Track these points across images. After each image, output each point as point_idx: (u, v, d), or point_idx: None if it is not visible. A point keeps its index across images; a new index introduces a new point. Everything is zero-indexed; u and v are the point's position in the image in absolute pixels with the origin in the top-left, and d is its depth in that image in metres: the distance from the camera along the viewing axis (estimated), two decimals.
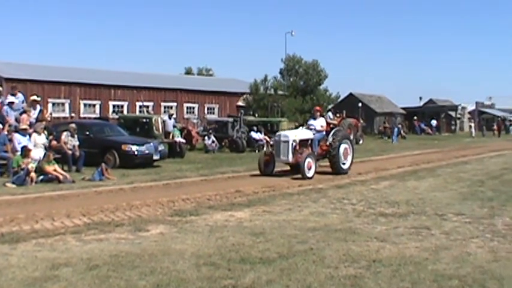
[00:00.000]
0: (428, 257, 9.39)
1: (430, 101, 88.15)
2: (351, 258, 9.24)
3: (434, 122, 74.88)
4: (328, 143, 23.58)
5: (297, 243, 10.34)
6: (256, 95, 58.18)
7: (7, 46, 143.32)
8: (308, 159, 21.67)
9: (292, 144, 22.47)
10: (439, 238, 11.00)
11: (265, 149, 34.24)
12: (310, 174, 21.58)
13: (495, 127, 73.16)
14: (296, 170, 22.25)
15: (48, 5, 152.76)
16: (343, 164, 23.67)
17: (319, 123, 24.20)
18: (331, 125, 45.62)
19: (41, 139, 22.42)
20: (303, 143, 23.19)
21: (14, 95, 25.06)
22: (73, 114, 41.48)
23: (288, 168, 23.60)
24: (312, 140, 23.60)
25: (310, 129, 23.95)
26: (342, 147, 23.59)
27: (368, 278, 8.20)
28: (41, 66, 53.69)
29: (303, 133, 23.92)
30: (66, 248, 9.92)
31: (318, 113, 24.81)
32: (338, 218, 13.14)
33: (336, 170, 23.25)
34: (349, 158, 24.17)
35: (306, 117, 65.54)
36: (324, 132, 24.07)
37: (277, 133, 24.92)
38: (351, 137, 26.43)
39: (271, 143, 24.90)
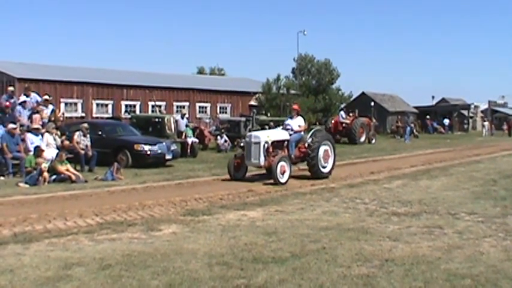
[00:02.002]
0: (441, 256, 9.38)
1: (443, 100, 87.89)
2: (363, 258, 9.24)
3: (446, 121, 74.61)
4: (306, 145, 21.71)
5: (309, 243, 10.34)
6: (269, 94, 58.08)
7: (18, 46, 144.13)
8: (281, 163, 19.77)
9: (264, 146, 20.43)
10: (451, 237, 10.98)
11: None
12: (283, 179, 19.69)
13: (505, 126, 72.61)
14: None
15: (60, 4, 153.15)
16: (323, 167, 21.75)
17: (297, 122, 22.36)
18: (344, 124, 46.14)
19: (53, 139, 22.50)
20: (278, 144, 21.27)
21: (27, 95, 25.16)
22: (83, 114, 41.48)
23: (264, 171, 21.26)
24: (288, 141, 21.68)
25: (287, 130, 21.97)
26: (322, 149, 21.66)
27: (381, 277, 8.19)
28: (53, 66, 53.77)
29: (277, 134, 22.03)
30: (79, 247, 9.95)
31: (295, 112, 22.96)
32: (350, 217, 13.14)
33: (315, 174, 21.40)
34: (330, 160, 22.27)
35: (319, 116, 65.63)
36: (302, 133, 22.32)
37: (248, 133, 22.95)
38: (332, 138, 24.15)
39: (242, 144, 22.34)
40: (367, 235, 11.09)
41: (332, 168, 22.31)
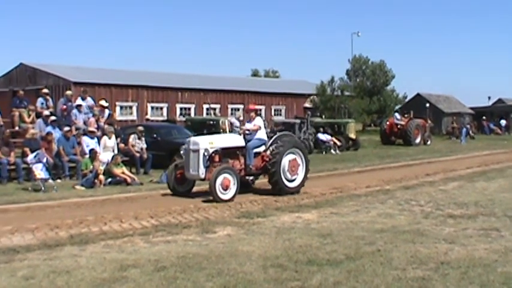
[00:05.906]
0: (497, 259, 9.27)
1: (499, 100, 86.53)
2: (418, 260, 9.17)
3: (503, 122, 73.28)
4: (268, 153, 17.68)
5: (364, 245, 10.30)
6: (323, 96, 57.95)
7: (73, 51, 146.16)
8: (223, 176, 16.00)
9: (203, 154, 16.66)
10: (509, 240, 10.84)
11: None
12: (226, 196, 15.96)
13: None
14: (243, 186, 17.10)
15: (115, 6, 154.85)
16: (290, 180, 17.69)
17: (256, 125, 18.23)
18: (399, 126, 45.76)
19: (111, 142, 22.74)
20: (229, 152, 17.49)
21: (84, 98, 25.58)
22: (147, 117, 41.68)
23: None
24: (245, 148, 17.76)
25: (247, 134, 18.06)
26: (286, 158, 17.61)
27: (436, 280, 8.12)
28: (109, 70, 54.36)
29: (225, 139, 18.40)
30: (134, 249, 10.06)
31: (253, 114, 18.68)
32: (406, 220, 13.05)
33: (276, 188, 17.39)
34: (301, 172, 18.10)
35: (374, 118, 65.21)
36: (266, 138, 18.32)
37: (187, 139, 18.43)
38: (302, 144, 20.59)
39: (182, 151, 18.27)
40: (423, 237, 11.01)
41: (303, 182, 18.24)
